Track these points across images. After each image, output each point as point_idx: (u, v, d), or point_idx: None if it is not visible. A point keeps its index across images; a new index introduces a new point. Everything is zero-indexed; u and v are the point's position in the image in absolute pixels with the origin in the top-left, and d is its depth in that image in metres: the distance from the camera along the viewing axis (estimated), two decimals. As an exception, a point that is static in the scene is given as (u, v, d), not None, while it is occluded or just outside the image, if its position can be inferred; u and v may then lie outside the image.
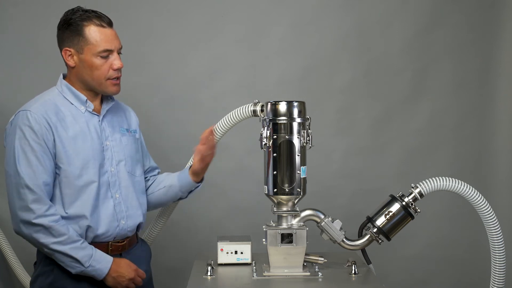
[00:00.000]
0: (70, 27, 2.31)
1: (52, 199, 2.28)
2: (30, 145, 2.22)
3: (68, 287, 2.31)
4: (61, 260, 2.25)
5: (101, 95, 2.44)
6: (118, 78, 2.37)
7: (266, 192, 2.45)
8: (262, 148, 2.44)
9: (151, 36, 3.59)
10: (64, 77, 2.43)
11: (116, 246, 2.40)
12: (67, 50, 2.33)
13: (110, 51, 2.32)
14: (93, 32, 2.30)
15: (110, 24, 2.35)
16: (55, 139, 2.26)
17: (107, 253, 2.36)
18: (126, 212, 2.41)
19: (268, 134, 2.41)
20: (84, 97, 2.36)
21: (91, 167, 2.33)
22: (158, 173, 2.77)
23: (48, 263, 2.32)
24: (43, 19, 3.54)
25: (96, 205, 2.33)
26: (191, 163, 2.66)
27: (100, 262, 2.29)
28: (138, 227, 2.52)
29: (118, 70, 2.35)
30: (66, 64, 2.37)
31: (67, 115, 2.32)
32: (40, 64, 3.55)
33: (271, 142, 2.40)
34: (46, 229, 2.21)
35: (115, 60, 2.33)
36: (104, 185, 2.36)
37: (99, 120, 2.40)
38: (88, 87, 2.36)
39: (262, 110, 2.50)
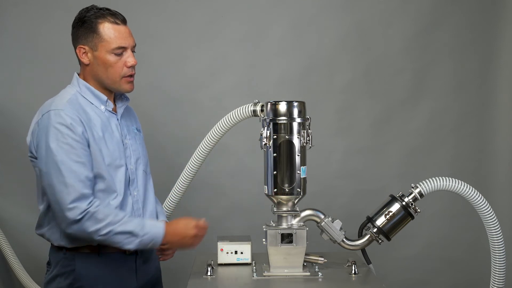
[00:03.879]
0: (85, 24, 2.30)
1: None
2: (68, 143, 2.19)
3: (89, 287, 2.30)
4: (116, 241, 2.21)
5: (113, 94, 2.44)
6: (132, 75, 2.36)
7: (266, 192, 2.45)
8: (262, 148, 2.44)
9: (151, 36, 3.59)
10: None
11: None
12: (82, 47, 2.32)
13: (124, 48, 2.32)
14: (107, 29, 2.29)
15: (124, 21, 2.35)
16: (89, 137, 2.25)
17: (125, 252, 2.33)
18: (143, 209, 2.41)
19: (268, 134, 2.41)
20: (104, 97, 2.35)
21: (119, 165, 2.33)
22: None
23: (68, 264, 2.30)
24: (43, 19, 3.55)
25: (122, 202, 2.33)
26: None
27: (153, 228, 2.26)
28: None
29: (132, 67, 2.35)
30: (80, 62, 2.36)
31: (92, 114, 2.31)
32: (40, 64, 3.56)
33: (271, 142, 2.40)
34: (92, 215, 2.18)
35: (128, 58, 2.33)
36: (126, 183, 2.36)
37: (118, 119, 2.40)
38: (103, 85, 2.35)
39: (262, 110, 2.50)
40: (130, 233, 2.22)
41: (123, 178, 2.33)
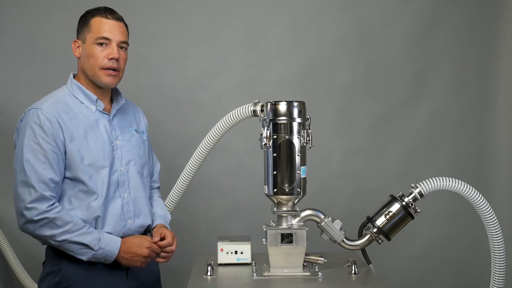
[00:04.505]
0: (81, 20, 2.39)
1: (61, 197, 2.28)
2: (39, 143, 2.23)
3: (75, 287, 2.31)
4: (70, 249, 2.24)
5: (110, 94, 2.45)
6: (114, 70, 2.35)
7: (266, 192, 2.45)
8: (262, 148, 2.44)
9: (151, 36, 3.59)
10: (74, 76, 2.45)
11: None
12: (76, 41, 2.39)
13: (107, 40, 2.34)
14: (97, 22, 2.34)
15: (117, 18, 2.38)
16: (65, 138, 2.26)
17: None
18: (134, 212, 2.41)
19: (268, 134, 2.41)
20: (94, 96, 2.37)
21: (101, 166, 2.33)
22: (158, 188, 2.74)
23: (56, 263, 2.32)
24: (43, 19, 3.55)
25: (104, 204, 2.33)
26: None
27: (109, 244, 2.28)
28: (147, 229, 2.51)
29: (114, 60, 2.34)
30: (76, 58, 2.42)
31: (77, 114, 2.33)
32: (40, 64, 3.56)
33: (271, 142, 2.40)
34: (51, 221, 2.20)
35: (111, 50, 2.34)
36: (113, 185, 2.35)
37: (109, 120, 2.40)
38: (89, 78, 2.37)
39: (262, 110, 2.50)
40: (86, 246, 2.24)
41: (106, 180, 2.32)
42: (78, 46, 2.38)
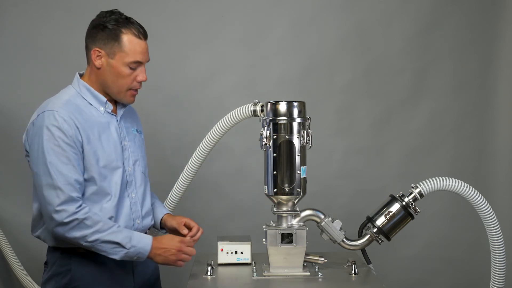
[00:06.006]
0: (107, 29, 2.26)
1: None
2: (60, 145, 2.19)
3: (86, 287, 2.30)
4: (102, 249, 2.22)
5: None
6: (137, 89, 2.37)
7: (266, 192, 2.45)
8: (262, 148, 2.44)
9: (151, 36, 3.54)
10: (80, 75, 2.39)
11: None
12: (98, 50, 2.27)
13: (140, 63, 2.31)
14: (130, 41, 2.27)
15: (146, 36, 2.34)
16: (83, 140, 2.24)
17: None
18: (141, 211, 2.41)
19: (268, 134, 2.41)
20: (104, 98, 2.34)
21: (115, 167, 2.33)
22: None
23: (64, 263, 2.30)
24: (43, 19, 3.55)
25: (117, 205, 2.33)
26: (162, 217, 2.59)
27: (140, 241, 2.26)
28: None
29: (141, 82, 2.35)
30: (89, 62, 2.33)
31: (89, 115, 2.30)
32: (40, 64, 3.56)
33: (271, 142, 2.40)
34: (81, 222, 2.18)
35: (141, 73, 2.32)
36: (123, 185, 2.35)
37: (117, 120, 2.40)
38: (106, 90, 2.34)
39: (262, 110, 2.50)
40: (118, 244, 2.22)
41: (119, 180, 2.32)
42: (100, 57, 2.29)
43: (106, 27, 2.27)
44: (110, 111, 2.36)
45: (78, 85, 2.34)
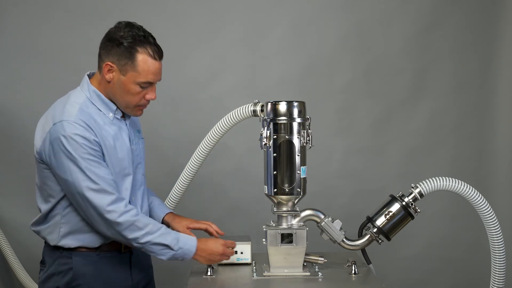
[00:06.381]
0: (122, 46, 2.22)
1: None
2: (88, 152, 2.19)
3: (87, 285, 2.31)
4: (151, 251, 2.26)
5: None
6: (146, 105, 2.36)
7: (266, 192, 2.45)
8: (262, 148, 2.44)
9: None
10: (89, 76, 2.35)
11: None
12: (110, 65, 2.23)
13: (151, 84, 2.30)
14: (144, 62, 2.24)
15: (161, 57, 2.31)
16: (101, 146, 2.25)
17: (120, 250, 2.36)
18: (141, 212, 2.42)
19: (268, 134, 2.41)
20: (114, 106, 2.32)
21: (127, 174, 2.34)
22: None
23: (64, 262, 2.31)
24: (43, 19, 3.55)
25: None
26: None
27: (187, 243, 2.30)
28: None
29: (149, 100, 2.34)
30: (101, 72, 2.28)
31: (101, 124, 2.28)
32: (40, 64, 3.56)
33: (271, 142, 2.40)
34: (132, 224, 2.21)
35: (151, 91, 2.31)
36: (132, 190, 2.36)
37: (126, 124, 2.39)
38: (113, 101, 2.32)
39: (262, 110, 2.50)
40: (166, 246, 2.26)
41: (129, 186, 2.34)
42: (112, 71, 2.24)
43: (122, 44, 2.22)
44: (119, 117, 2.36)
45: (88, 90, 2.31)
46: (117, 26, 2.27)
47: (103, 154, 2.24)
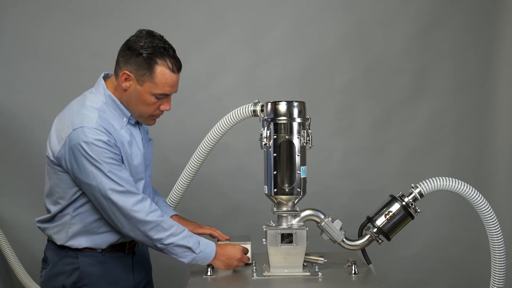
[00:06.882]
0: (141, 56, 2.21)
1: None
2: (109, 156, 2.20)
3: (93, 285, 2.32)
4: (173, 252, 2.28)
5: None
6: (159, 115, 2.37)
7: (266, 192, 2.45)
8: (262, 148, 2.44)
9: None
10: (103, 78, 2.34)
11: (133, 244, 2.42)
12: (127, 74, 2.23)
13: (167, 95, 2.30)
14: (162, 74, 2.23)
15: (179, 69, 2.31)
16: (120, 151, 2.26)
17: (124, 251, 2.38)
18: None
19: (268, 134, 2.40)
20: (128, 113, 2.33)
21: (140, 178, 2.36)
22: None
23: (70, 262, 2.31)
24: (43, 19, 3.55)
25: None
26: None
27: (207, 247, 2.34)
28: None
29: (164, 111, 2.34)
30: (117, 79, 2.27)
31: (118, 129, 2.29)
32: (40, 64, 3.55)
33: (271, 142, 2.40)
34: (158, 224, 2.23)
35: (166, 103, 2.31)
36: (143, 193, 2.37)
37: (139, 128, 2.39)
38: (128, 108, 2.32)
39: (262, 110, 2.50)
40: (189, 249, 2.29)
41: (141, 190, 2.35)
42: (129, 80, 2.24)
43: (141, 54, 2.22)
44: (133, 123, 2.36)
45: (104, 94, 2.30)
46: (138, 35, 2.26)
47: (121, 157, 2.26)
